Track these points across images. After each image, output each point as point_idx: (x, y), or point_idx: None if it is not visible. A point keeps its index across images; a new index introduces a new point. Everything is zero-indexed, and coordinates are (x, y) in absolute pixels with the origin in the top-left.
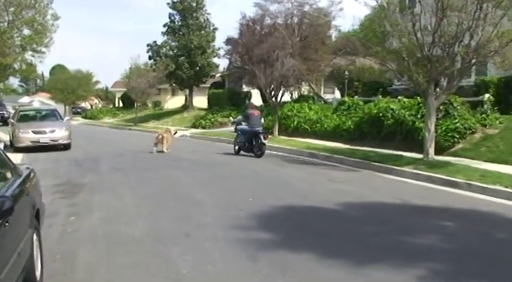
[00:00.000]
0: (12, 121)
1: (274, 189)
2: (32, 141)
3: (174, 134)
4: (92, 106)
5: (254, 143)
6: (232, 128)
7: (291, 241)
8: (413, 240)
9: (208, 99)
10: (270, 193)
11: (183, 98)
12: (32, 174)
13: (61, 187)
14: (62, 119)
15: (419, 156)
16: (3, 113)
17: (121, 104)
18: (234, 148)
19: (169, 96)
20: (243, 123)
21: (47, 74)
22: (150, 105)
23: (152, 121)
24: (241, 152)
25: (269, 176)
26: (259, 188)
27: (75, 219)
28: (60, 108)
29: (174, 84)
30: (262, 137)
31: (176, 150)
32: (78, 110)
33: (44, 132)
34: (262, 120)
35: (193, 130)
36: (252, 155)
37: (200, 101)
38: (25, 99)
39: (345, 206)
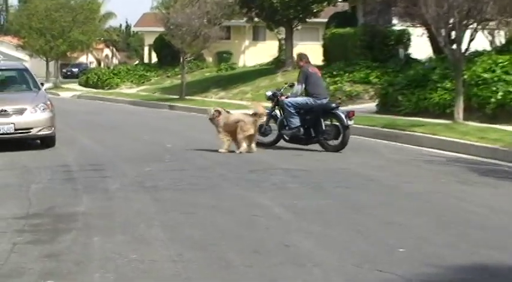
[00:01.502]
0: None
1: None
2: None
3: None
4: (99, 62)
5: (322, 126)
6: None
7: None
8: None
9: (325, 46)
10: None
11: (275, 45)
12: None
13: (32, 221)
14: (39, 88)
15: None
16: None
17: (153, 58)
18: (266, 137)
19: (247, 42)
20: (297, 92)
21: (13, 1)
22: (210, 59)
23: (214, 91)
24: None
25: (467, 215)
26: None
27: None
28: (39, 65)
29: (256, 19)
30: (343, 115)
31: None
32: (73, 70)
33: (5, 114)
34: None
35: None
36: (319, 148)
37: (308, 50)
38: None
39: None
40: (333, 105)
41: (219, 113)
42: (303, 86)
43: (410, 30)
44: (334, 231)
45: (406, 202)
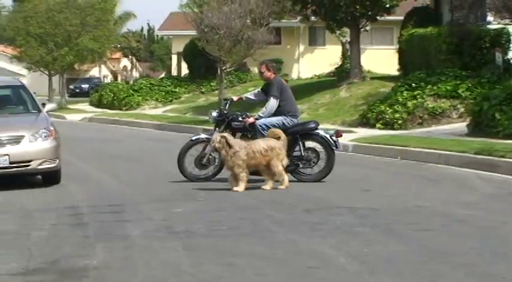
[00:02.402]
0: None
1: None
2: None
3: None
4: (115, 76)
5: (301, 152)
6: None
7: None
8: None
9: (401, 51)
10: None
11: (337, 50)
12: None
13: (33, 277)
14: (39, 110)
15: None
16: None
17: (183, 70)
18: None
19: (301, 47)
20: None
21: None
22: (256, 70)
23: (260, 109)
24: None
25: None
26: None
27: None
28: (40, 81)
29: (313, 18)
30: (328, 135)
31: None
32: (82, 86)
33: None
34: None
35: (362, 131)
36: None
37: (380, 57)
38: None
39: None
40: (313, 125)
41: (226, 140)
42: (275, 97)
43: (511, 29)
44: None
45: (507, 249)
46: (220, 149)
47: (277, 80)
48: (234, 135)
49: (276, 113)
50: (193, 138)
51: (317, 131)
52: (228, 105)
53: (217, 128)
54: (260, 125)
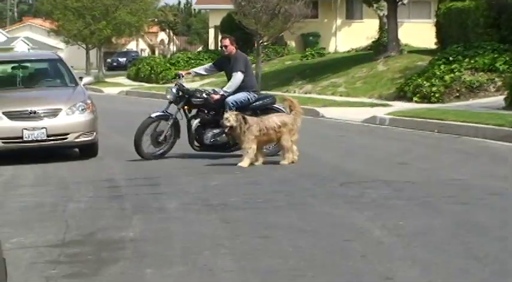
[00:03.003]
0: None
1: None
2: (4, 139)
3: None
4: (153, 50)
5: None
6: None
7: None
8: None
9: (438, 25)
10: None
11: (375, 24)
12: None
13: (69, 249)
14: (76, 84)
15: None
16: None
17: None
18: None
19: (339, 21)
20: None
21: None
22: (293, 44)
23: (298, 84)
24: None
25: None
26: None
27: None
28: (78, 55)
29: None
30: (286, 110)
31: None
32: (120, 59)
33: (34, 117)
34: None
35: (398, 105)
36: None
37: (417, 30)
38: None
39: None
40: (270, 99)
41: (243, 118)
42: (241, 71)
43: None
44: (447, 258)
45: None
46: (236, 127)
47: (242, 55)
48: (190, 111)
49: (239, 88)
50: (153, 115)
51: (275, 105)
52: (181, 80)
53: (172, 104)
54: (232, 103)
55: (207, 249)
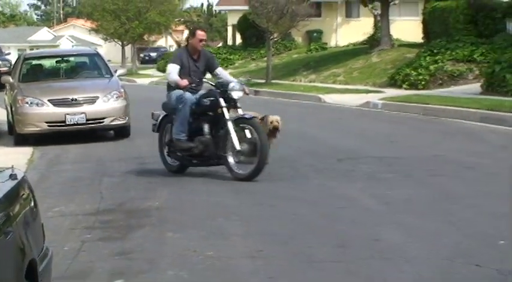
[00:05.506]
0: (11, 80)
1: None
2: (49, 123)
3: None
4: (179, 45)
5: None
6: None
7: None
8: None
9: (425, 22)
10: None
11: (370, 22)
12: (22, 191)
13: (103, 217)
14: (111, 75)
15: None
16: None
17: (237, 40)
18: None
19: (339, 19)
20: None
21: None
22: (300, 39)
23: (303, 74)
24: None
25: None
26: None
27: None
28: (115, 50)
29: None
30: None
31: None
32: (151, 54)
33: (75, 104)
34: None
35: (390, 91)
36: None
37: (406, 27)
38: (43, 35)
39: None
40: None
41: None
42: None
43: None
44: (427, 222)
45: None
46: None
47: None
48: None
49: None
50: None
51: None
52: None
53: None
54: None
55: (220, 215)
